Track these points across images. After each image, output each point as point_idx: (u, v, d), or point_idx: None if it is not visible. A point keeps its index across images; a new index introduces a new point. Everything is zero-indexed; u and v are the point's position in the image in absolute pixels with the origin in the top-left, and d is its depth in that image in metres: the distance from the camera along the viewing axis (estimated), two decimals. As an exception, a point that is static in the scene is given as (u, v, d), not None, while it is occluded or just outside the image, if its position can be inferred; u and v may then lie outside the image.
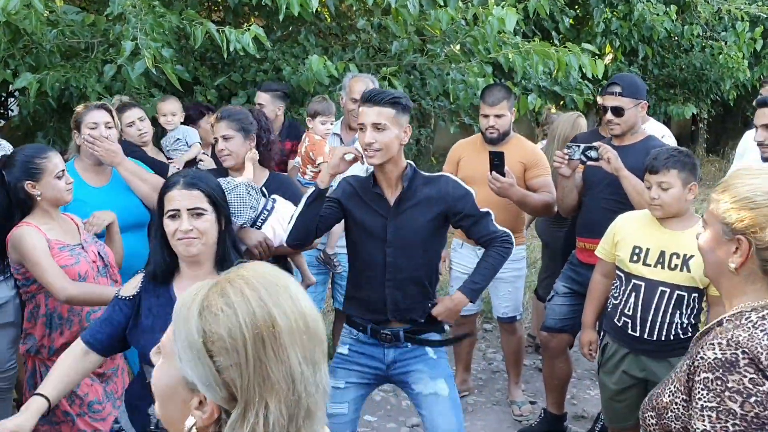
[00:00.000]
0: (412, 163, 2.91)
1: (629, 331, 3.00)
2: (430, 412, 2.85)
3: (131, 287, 2.32)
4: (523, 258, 4.18)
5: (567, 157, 3.54)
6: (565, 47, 5.19)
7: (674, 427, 1.63)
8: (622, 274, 3.05)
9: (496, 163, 3.57)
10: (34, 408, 2.06)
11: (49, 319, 2.81)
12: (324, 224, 2.93)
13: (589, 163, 3.49)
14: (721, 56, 8.57)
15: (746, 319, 1.57)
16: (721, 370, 1.50)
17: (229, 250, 2.33)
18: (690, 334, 2.91)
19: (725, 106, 11.27)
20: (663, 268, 2.92)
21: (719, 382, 1.50)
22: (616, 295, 3.08)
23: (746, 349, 1.50)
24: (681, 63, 9.08)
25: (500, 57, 5.15)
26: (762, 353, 1.49)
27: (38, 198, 2.79)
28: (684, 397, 1.60)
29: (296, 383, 1.08)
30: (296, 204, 3.00)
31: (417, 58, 5.33)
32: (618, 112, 3.53)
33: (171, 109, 4.24)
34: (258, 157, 3.35)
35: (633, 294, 2.98)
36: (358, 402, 2.97)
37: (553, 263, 4.61)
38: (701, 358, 1.55)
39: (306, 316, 1.12)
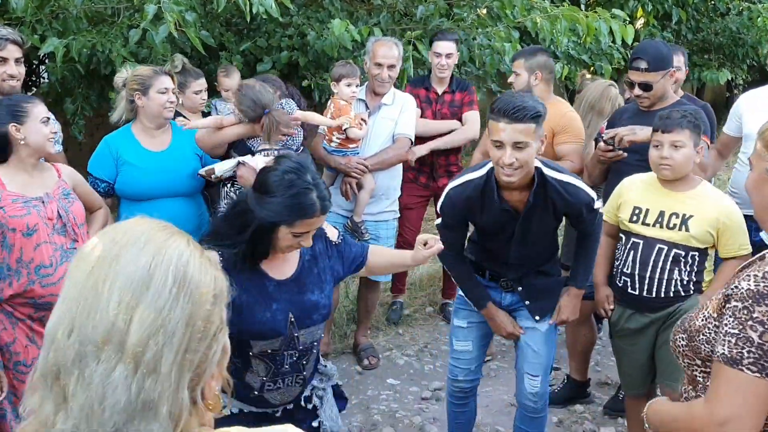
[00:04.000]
0: (539, 164, 2.72)
1: (629, 290, 3.04)
2: (525, 340, 3.04)
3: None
4: None
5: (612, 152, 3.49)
6: (594, 12, 5.07)
7: (704, 350, 1.68)
8: (623, 235, 3.09)
9: None
10: None
11: None
12: (463, 242, 3.05)
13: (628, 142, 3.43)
14: (759, 19, 8.32)
15: None
16: (750, 301, 1.54)
17: None
18: (692, 292, 2.95)
19: (762, 71, 10.97)
20: (662, 227, 2.95)
21: (745, 312, 1.55)
22: (617, 256, 3.12)
23: None
24: (716, 27, 8.84)
25: (527, 22, 5.06)
26: None
27: (21, 142, 2.78)
28: (716, 323, 1.65)
29: (49, 339, 0.95)
30: None
31: (443, 23, 5.25)
32: (646, 87, 3.47)
33: (233, 84, 4.34)
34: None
35: (631, 252, 3.02)
36: (483, 339, 3.16)
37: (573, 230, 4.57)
38: (735, 287, 1.59)
39: (100, 289, 0.94)
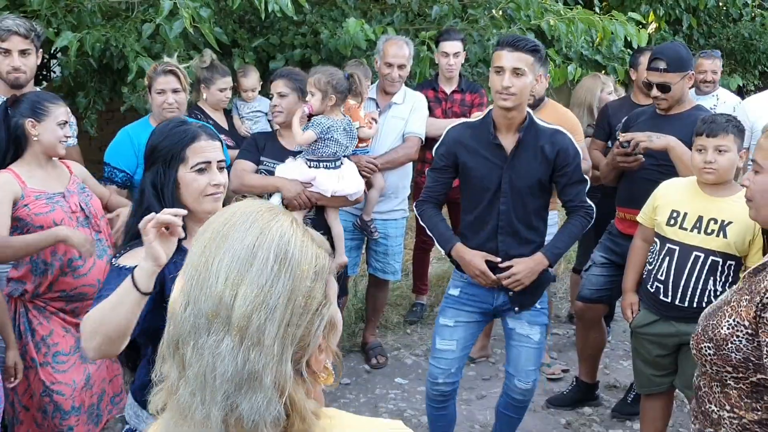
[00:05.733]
0: (530, 111, 3.00)
1: (661, 297, 2.99)
2: (519, 349, 3.13)
3: (138, 258, 1.89)
4: (556, 224, 4.15)
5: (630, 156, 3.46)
6: (610, 15, 5.06)
7: (734, 358, 1.65)
8: (657, 239, 3.04)
9: None
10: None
11: (34, 266, 2.84)
12: (445, 195, 3.19)
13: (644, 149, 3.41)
14: (772, 26, 8.30)
15: None
16: None
17: None
18: None
19: (774, 78, 10.93)
20: (699, 232, 2.89)
21: None
22: (650, 260, 3.07)
23: None
24: (728, 33, 8.79)
25: (543, 24, 5.05)
26: None
27: (35, 138, 2.81)
28: (748, 331, 1.61)
29: (170, 312, 1.04)
30: None
31: (457, 24, 5.24)
32: (665, 88, 3.43)
33: (252, 85, 4.37)
34: (305, 118, 3.51)
35: (667, 258, 2.97)
36: (467, 340, 3.18)
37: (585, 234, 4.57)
38: None
39: (212, 267, 1.00)
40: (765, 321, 1.56)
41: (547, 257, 3.01)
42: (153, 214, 1.75)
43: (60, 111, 2.86)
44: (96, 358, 1.88)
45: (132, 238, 2.01)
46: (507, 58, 2.82)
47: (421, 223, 3.30)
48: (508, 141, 2.95)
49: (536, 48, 2.85)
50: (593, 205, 3.06)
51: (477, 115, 3.20)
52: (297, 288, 1.00)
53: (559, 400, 4.04)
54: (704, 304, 2.86)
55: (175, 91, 3.42)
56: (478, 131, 3.00)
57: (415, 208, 3.25)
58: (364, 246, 4.46)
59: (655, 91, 3.46)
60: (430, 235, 3.23)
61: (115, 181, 3.44)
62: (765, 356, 1.56)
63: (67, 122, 2.89)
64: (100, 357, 1.86)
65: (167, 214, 1.74)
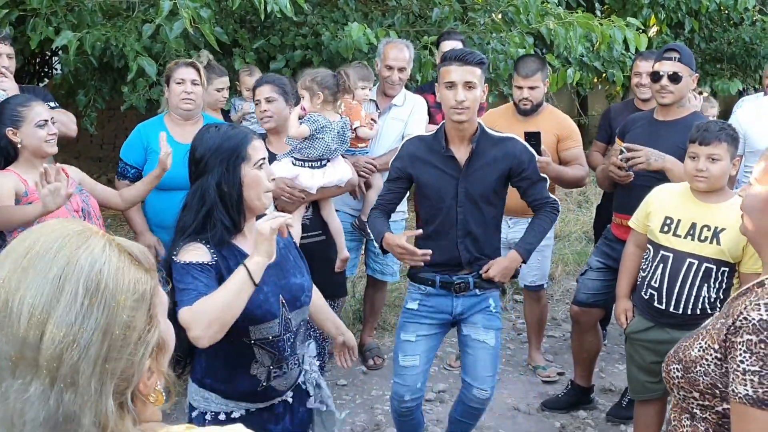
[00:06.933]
0: (481, 122, 3.03)
1: (655, 304, 3.00)
2: (475, 356, 3.11)
3: (204, 253, 2.09)
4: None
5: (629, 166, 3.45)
6: (609, 20, 5.07)
7: (702, 382, 1.60)
8: (651, 246, 3.05)
9: (533, 143, 3.54)
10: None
11: None
12: (396, 204, 3.22)
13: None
14: (773, 30, 8.31)
15: None
16: (765, 333, 1.46)
17: None
18: (719, 310, 2.87)
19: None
20: (693, 239, 2.90)
21: (763, 345, 1.46)
22: (644, 267, 3.08)
23: None
24: (729, 37, 8.81)
25: (542, 28, 5.06)
26: None
27: (19, 146, 2.83)
28: (717, 355, 1.56)
29: None
30: None
31: (458, 26, 5.26)
32: (675, 78, 3.42)
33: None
34: (300, 114, 3.52)
35: (661, 265, 2.97)
36: (429, 353, 3.19)
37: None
38: (744, 318, 1.50)
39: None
40: (734, 346, 1.51)
41: (521, 254, 3.06)
42: (273, 215, 2.03)
43: (35, 111, 2.85)
44: (206, 345, 1.95)
45: (187, 235, 2.11)
46: (458, 73, 2.84)
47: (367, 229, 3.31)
48: (461, 152, 2.98)
49: (483, 61, 2.90)
50: (557, 199, 3.12)
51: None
52: (113, 322, 0.91)
53: (554, 403, 4.05)
54: (698, 311, 2.88)
55: (194, 82, 3.52)
56: (431, 144, 3.03)
57: (368, 218, 3.27)
58: (363, 247, 4.47)
59: (665, 81, 3.42)
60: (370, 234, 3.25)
61: (127, 176, 3.56)
62: (731, 383, 1.51)
63: (47, 121, 2.88)
64: (210, 344, 1.96)
65: (280, 219, 2.00)
